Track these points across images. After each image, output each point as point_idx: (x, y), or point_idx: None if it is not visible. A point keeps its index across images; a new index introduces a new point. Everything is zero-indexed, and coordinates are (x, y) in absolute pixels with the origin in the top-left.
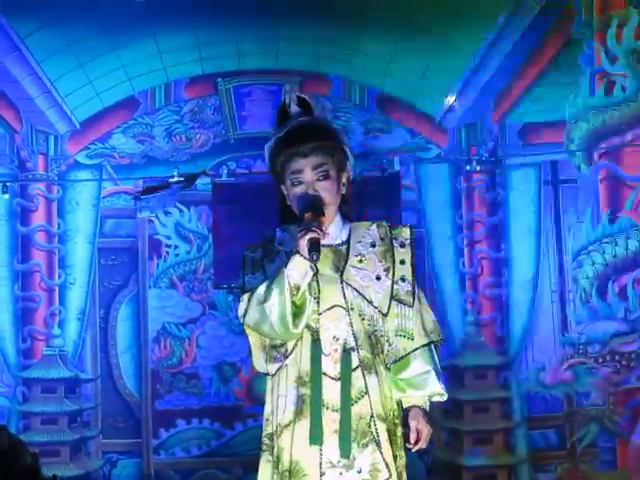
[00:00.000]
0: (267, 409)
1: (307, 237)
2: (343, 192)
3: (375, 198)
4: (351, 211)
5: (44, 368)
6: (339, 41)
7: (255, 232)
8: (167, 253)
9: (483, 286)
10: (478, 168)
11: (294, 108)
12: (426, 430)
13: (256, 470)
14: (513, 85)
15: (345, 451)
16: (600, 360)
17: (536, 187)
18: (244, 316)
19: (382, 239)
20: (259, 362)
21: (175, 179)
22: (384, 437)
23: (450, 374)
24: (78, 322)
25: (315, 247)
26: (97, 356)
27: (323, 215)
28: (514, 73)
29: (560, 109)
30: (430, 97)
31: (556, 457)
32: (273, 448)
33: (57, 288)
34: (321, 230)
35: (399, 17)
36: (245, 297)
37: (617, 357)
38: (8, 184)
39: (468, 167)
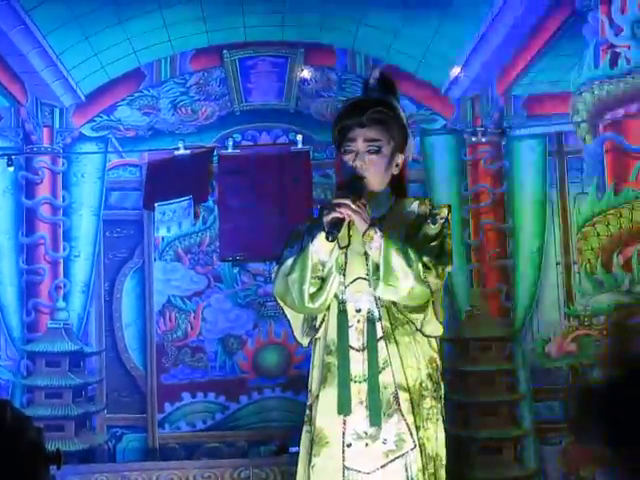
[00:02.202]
0: (309, 381)
1: (330, 216)
2: (395, 172)
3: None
4: (405, 191)
5: (49, 341)
6: (344, 12)
7: (261, 204)
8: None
9: (488, 257)
10: (483, 139)
11: (371, 83)
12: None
13: (260, 443)
14: (518, 56)
15: (376, 419)
16: (605, 332)
17: (541, 158)
18: (273, 286)
19: (419, 215)
20: (296, 334)
21: (181, 151)
22: (405, 407)
23: (455, 345)
24: (83, 295)
25: (334, 227)
26: (102, 329)
27: (359, 199)
28: (519, 44)
29: (565, 80)
30: (435, 68)
31: (561, 429)
32: (311, 419)
33: (62, 261)
34: (360, 206)
35: None
36: (275, 268)
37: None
38: (13, 157)
39: (473, 138)
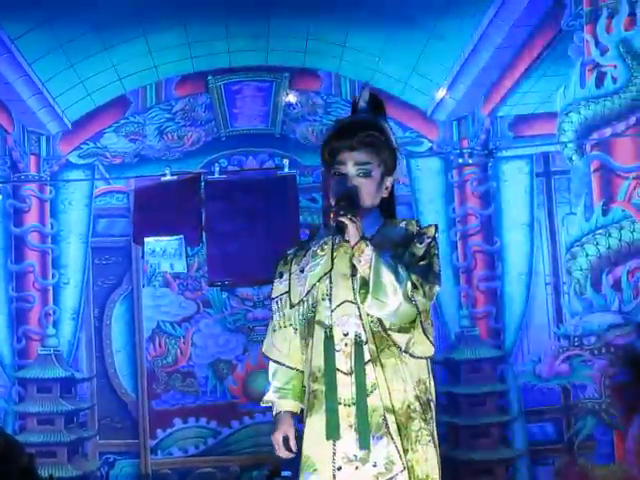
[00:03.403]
0: None
1: (338, 220)
2: (384, 195)
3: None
4: (394, 214)
5: (39, 368)
6: (328, 37)
7: (248, 229)
8: None
9: (477, 279)
10: (470, 161)
11: (361, 104)
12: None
13: (253, 468)
14: (504, 77)
15: (365, 443)
16: (595, 352)
17: (529, 179)
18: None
19: (406, 235)
20: None
21: (167, 178)
22: (394, 429)
23: (446, 368)
24: (72, 322)
25: (340, 232)
26: (92, 355)
27: (357, 208)
28: (505, 65)
29: (551, 101)
30: (420, 90)
31: (554, 450)
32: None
33: (51, 288)
34: (354, 218)
35: (388, 11)
36: (269, 327)
37: (612, 349)
38: (0, 185)
39: (460, 160)
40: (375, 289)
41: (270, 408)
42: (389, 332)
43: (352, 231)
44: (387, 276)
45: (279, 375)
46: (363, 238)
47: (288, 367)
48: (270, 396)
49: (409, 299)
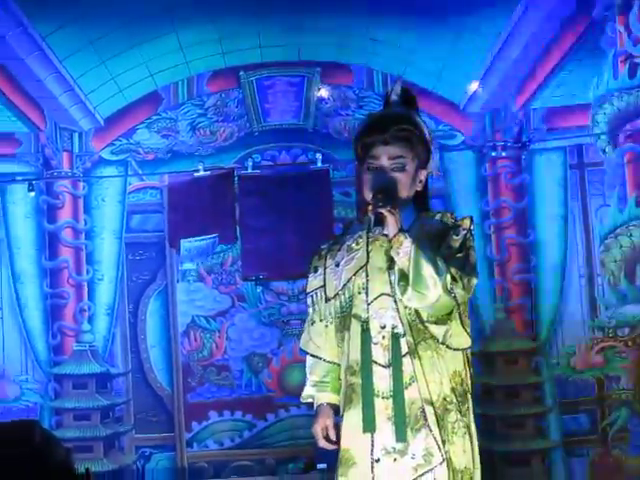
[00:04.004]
0: None
1: (378, 210)
2: (418, 188)
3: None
4: (428, 207)
5: (75, 364)
6: (360, 31)
7: (282, 223)
8: None
9: (512, 272)
10: (503, 154)
11: (393, 98)
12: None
13: (289, 460)
14: (536, 70)
15: (401, 435)
16: (630, 344)
17: (562, 171)
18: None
19: (442, 227)
20: None
21: (200, 173)
22: (432, 420)
23: (481, 360)
24: (107, 317)
25: (379, 223)
26: (127, 351)
27: (395, 200)
28: (537, 58)
29: (584, 93)
30: (453, 84)
31: (588, 441)
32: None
33: (86, 284)
34: (393, 210)
35: (420, 5)
36: (305, 324)
37: None
38: (34, 182)
39: (493, 153)
40: (415, 281)
41: (307, 402)
42: (427, 324)
43: (391, 223)
44: (427, 268)
45: (316, 369)
46: (402, 230)
47: (325, 360)
48: (309, 390)
49: (448, 291)
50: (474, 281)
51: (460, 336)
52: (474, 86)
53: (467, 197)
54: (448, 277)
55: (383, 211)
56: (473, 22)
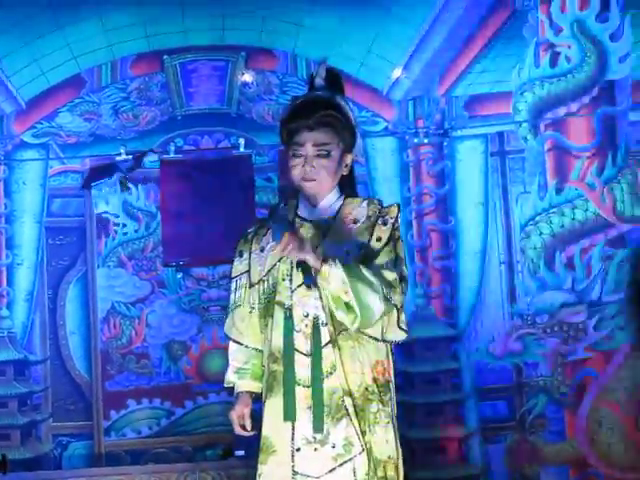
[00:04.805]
0: None
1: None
2: (344, 173)
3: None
4: (355, 191)
5: None
6: (285, 16)
7: (203, 209)
8: (115, 232)
9: (432, 258)
10: (425, 140)
11: (318, 81)
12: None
13: (206, 447)
14: (459, 57)
15: (318, 426)
16: (548, 331)
17: (483, 158)
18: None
19: (369, 216)
20: None
21: (122, 157)
22: (352, 411)
23: (400, 346)
24: (26, 303)
25: (307, 273)
26: (46, 337)
27: (294, 231)
28: (460, 45)
29: (506, 80)
30: (376, 70)
31: (506, 428)
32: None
33: (4, 269)
34: (304, 242)
35: None
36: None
37: (565, 328)
38: None
39: (415, 140)
40: (362, 314)
41: (226, 388)
42: (361, 330)
43: (312, 261)
44: (367, 295)
45: (238, 355)
46: (324, 260)
47: (247, 347)
48: (230, 376)
49: (387, 300)
50: (406, 277)
51: (396, 332)
52: (397, 73)
53: (389, 183)
54: (384, 289)
55: (300, 258)
56: (397, 9)
